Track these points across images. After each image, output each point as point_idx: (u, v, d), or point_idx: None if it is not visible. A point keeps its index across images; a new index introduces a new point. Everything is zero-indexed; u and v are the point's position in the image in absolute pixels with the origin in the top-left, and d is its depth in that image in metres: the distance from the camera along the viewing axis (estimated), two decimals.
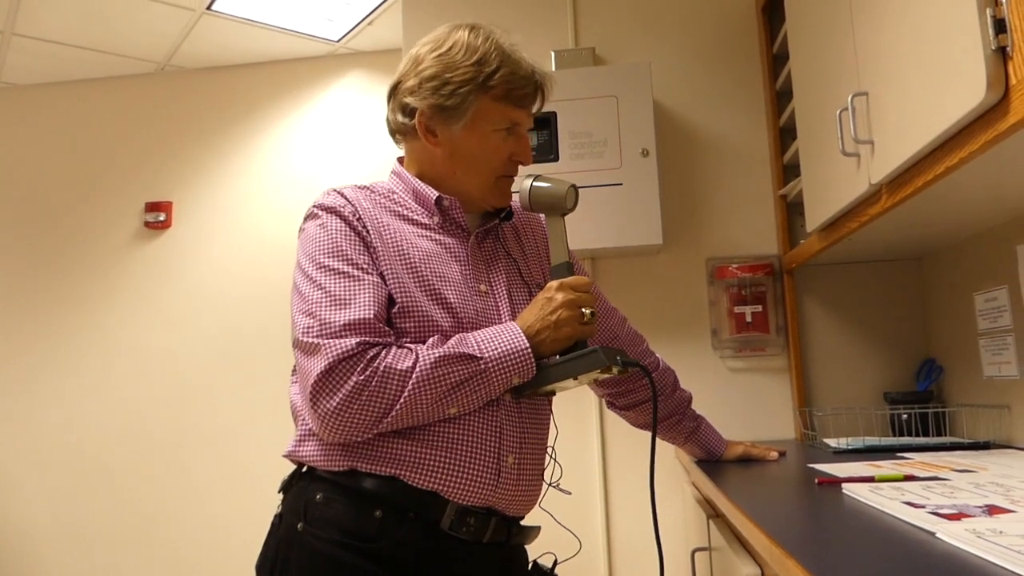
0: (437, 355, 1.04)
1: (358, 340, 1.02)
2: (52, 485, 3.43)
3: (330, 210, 1.15)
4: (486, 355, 1.06)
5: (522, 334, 1.08)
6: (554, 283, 1.13)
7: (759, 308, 2.24)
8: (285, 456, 1.14)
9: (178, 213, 3.58)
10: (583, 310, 1.10)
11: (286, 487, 1.15)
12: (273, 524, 1.13)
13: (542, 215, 1.34)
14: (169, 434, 3.41)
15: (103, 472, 3.41)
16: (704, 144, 2.36)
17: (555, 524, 1.35)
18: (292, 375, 1.18)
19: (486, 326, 1.12)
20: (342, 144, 3.56)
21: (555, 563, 1.24)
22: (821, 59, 1.69)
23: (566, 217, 1.20)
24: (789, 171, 2.23)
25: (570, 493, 1.30)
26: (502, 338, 1.07)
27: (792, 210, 2.25)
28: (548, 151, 2.18)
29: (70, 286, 3.56)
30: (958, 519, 0.81)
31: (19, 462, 3.46)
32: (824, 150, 1.69)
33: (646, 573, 2.20)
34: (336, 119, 3.58)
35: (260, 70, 3.63)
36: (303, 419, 1.12)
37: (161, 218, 3.55)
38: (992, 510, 0.85)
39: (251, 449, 3.32)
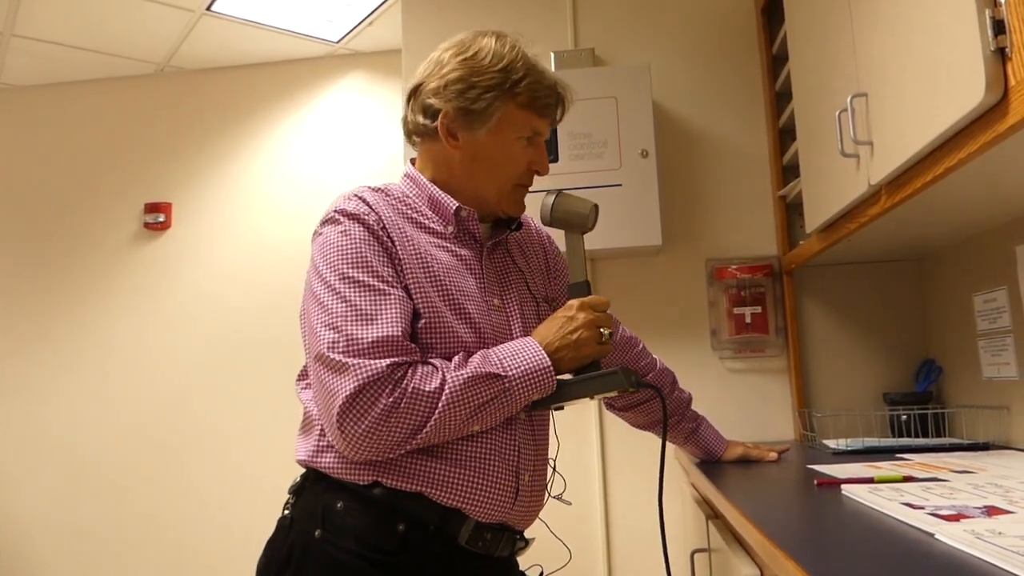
0: (466, 376, 1.03)
1: (389, 362, 1.00)
2: (50, 485, 3.43)
3: (353, 217, 1.11)
4: (510, 373, 1.06)
5: (542, 350, 1.08)
6: (575, 302, 1.14)
7: (758, 309, 2.24)
8: (300, 462, 1.12)
9: (178, 214, 3.58)
10: (601, 331, 1.12)
11: (299, 489, 1.12)
12: (282, 525, 1.11)
13: (547, 231, 1.36)
14: (167, 435, 3.41)
15: (101, 473, 3.41)
16: (704, 145, 2.36)
17: (548, 533, 1.36)
18: (300, 380, 1.16)
19: (502, 341, 1.13)
20: (342, 145, 3.56)
21: (541, 575, 1.25)
22: (820, 60, 1.70)
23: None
24: (788, 172, 2.23)
25: (570, 503, 1.31)
26: (525, 355, 1.08)
27: (791, 211, 2.25)
28: (547, 152, 2.17)
29: (69, 287, 3.56)
30: (957, 520, 0.81)
31: (17, 462, 3.46)
32: (823, 151, 1.69)
33: (645, 575, 2.20)
34: (336, 120, 3.58)
35: (260, 71, 3.63)
36: (319, 428, 1.10)
37: (161, 219, 3.55)
38: (991, 511, 0.85)
39: (249, 450, 3.32)
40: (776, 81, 2.25)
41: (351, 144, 3.54)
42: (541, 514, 1.26)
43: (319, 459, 1.09)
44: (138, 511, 3.37)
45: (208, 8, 3.09)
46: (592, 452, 2.26)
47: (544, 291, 1.31)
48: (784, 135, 2.25)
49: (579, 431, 2.27)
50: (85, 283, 3.56)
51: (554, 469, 1.27)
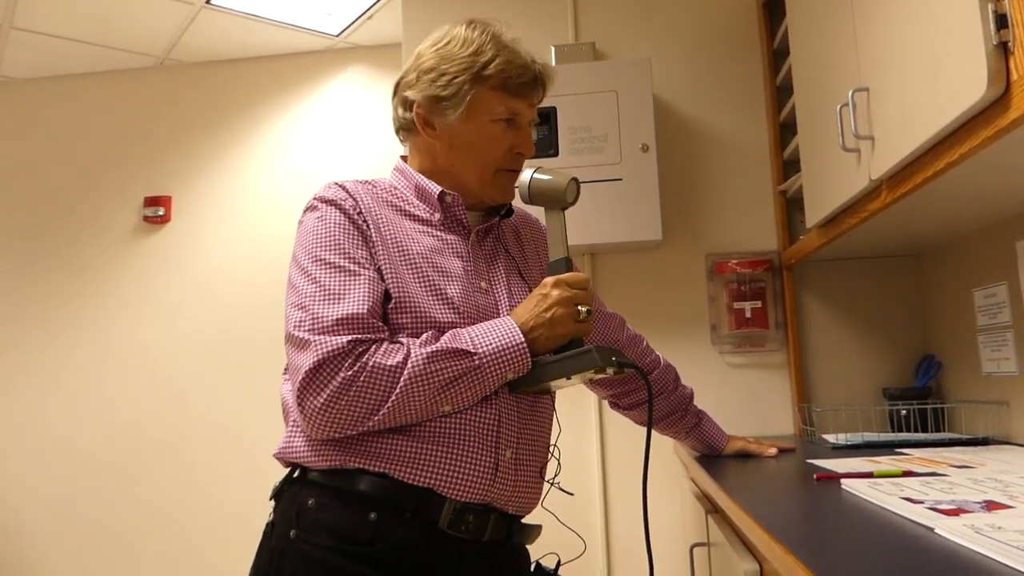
0: (430, 351, 1.02)
1: (350, 338, 1.00)
2: (48, 481, 3.43)
3: (330, 203, 1.13)
4: (480, 350, 1.04)
5: (517, 328, 1.06)
6: (550, 279, 1.10)
7: (758, 304, 2.24)
8: (275, 456, 1.12)
9: (177, 208, 3.57)
10: (579, 308, 1.09)
11: (277, 494, 1.11)
12: (265, 533, 1.10)
13: (541, 210, 1.33)
14: (166, 430, 3.41)
15: (99, 468, 3.41)
16: (704, 139, 2.36)
17: (557, 524, 1.33)
18: (284, 373, 1.17)
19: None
20: (342, 139, 3.55)
21: (558, 564, 1.21)
22: (822, 54, 1.69)
23: (566, 211, 1.18)
24: (789, 167, 2.23)
25: (572, 494, 1.28)
26: (497, 333, 1.06)
27: (792, 206, 2.25)
28: (548, 146, 2.18)
29: (69, 281, 3.56)
30: (957, 515, 0.81)
31: (14, 457, 3.46)
32: (824, 146, 1.68)
33: (645, 569, 2.20)
34: (336, 114, 3.57)
35: (260, 64, 3.62)
36: (293, 416, 1.11)
37: (160, 213, 3.55)
38: (991, 506, 0.85)
39: (249, 446, 3.32)
40: (777, 75, 2.25)
41: (351, 138, 3.54)
42: (546, 503, 1.23)
43: (291, 444, 1.09)
44: (136, 505, 3.37)
45: (208, 1, 3.08)
46: (591, 445, 2.26)
47: (540, 277, 1.29)
48: (785, 130, 2.25)
49: (579, 423, 2.27)
50: (84, 277, 3.56)
51: (555, 456, 1.24)
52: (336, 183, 1.17)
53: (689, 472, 1.81)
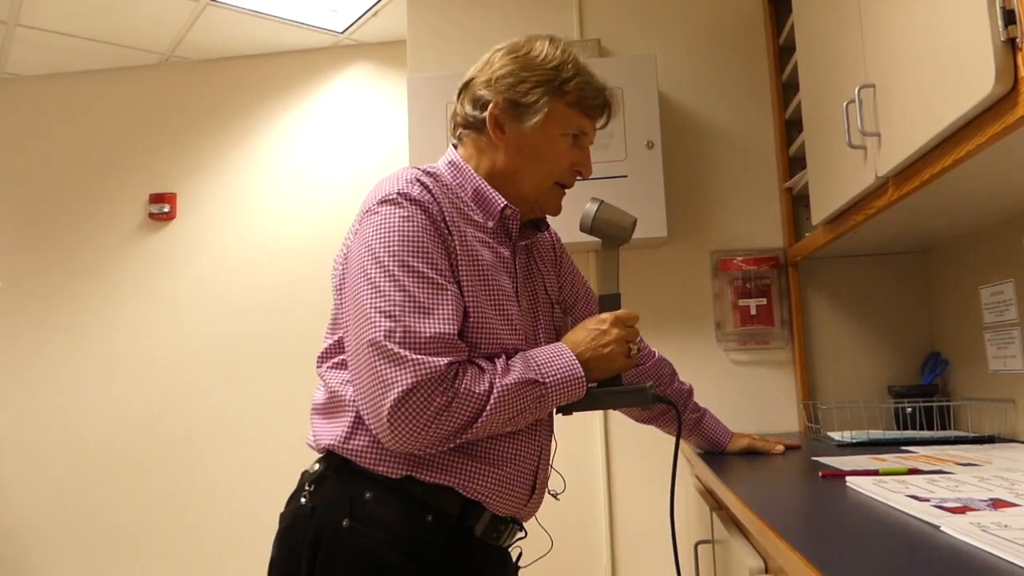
0: (512, 381, 1.05)
1: (447, 361, 1.01)
2: (52, 477, 3.44)
3: (417, 203, 1.09)
4: (547, 380, 1.08)
5: (576, 359, 1.11)
6: (608, 315, 1.16)
7: (763, 301, 2.23)
8: (326, 447, 1.10)
9: (183, 204, 3.58)
10: (630, 346, 1.16)
11: (320, 478, 1.10)
12: (299, 514, 1.09)
13: (556, 232, 1.39)
14: (171, 426, 3.42)
15: (104, 465, 3.42)
16: (709, 136, 2.35)
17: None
18: (325, 359, 1.14)
19: (530, 344, 1.16)
20: (347, 136, 3.55)
21: (519, 556, 1.26)
22: (828, 51, 1.69)
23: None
24: (795, 164, 2.22)
25: (558, 499, 1.34)
26: (560, 363, 1.10)
27: (797, 203, 2.24)
28: None
29: (74, 277, 3.57)
30: (962, 513, 0.81)
31: (19, 454, 3.47)
32: (830, 142, 1.68)
33: (648, 566, 2.20)
34: (341, 111, 3.57)
35: (264, 61, 3.62)
36: (351, 414, 1.08)
37: (166, 209, 3.55)
38: (997, 504, 0.85)
39: (255, 441, 3.32)
40: (783, 72, 2.24)
41: (355, 135, 3.53)
42: (547, 503, 1.29)
43: (349, 444, 1.08)
44: (142, 501, 3.39)
45: None
46: (596, 443, 2.26)
47: (556, 292, 1.32)
48: (791, 126, 2.24)
49: (583, 422, 2.27)
50: (90, 273, 3.57)
51: (552, 467, 1.30)
52: (418, 180, 1.12)
53: (694, 469, 1.81)
